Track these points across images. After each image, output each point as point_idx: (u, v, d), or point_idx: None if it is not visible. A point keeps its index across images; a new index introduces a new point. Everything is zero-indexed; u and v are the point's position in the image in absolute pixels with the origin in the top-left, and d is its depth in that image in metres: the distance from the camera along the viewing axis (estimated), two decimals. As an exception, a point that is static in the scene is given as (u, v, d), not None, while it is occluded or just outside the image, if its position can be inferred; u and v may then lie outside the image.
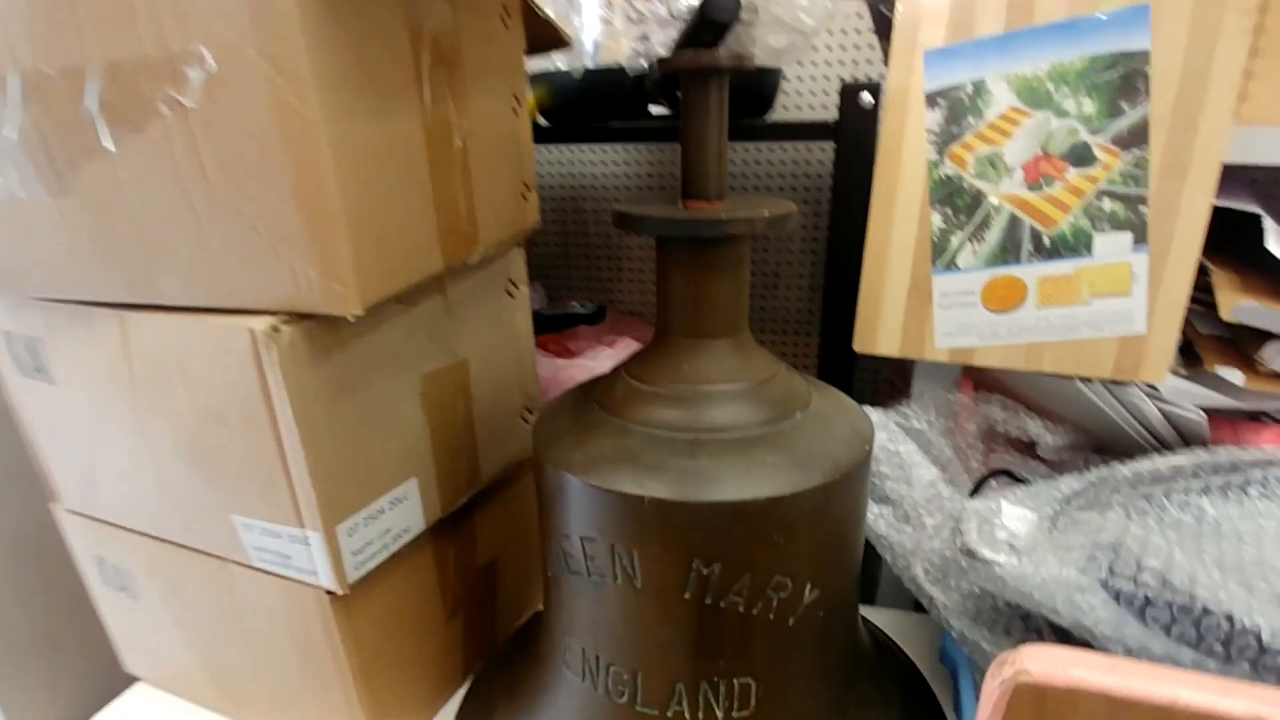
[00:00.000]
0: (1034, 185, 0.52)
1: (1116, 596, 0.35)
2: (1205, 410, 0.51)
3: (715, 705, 0.40)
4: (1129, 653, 0.36)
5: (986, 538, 0.42)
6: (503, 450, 0.58)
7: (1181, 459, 0.47)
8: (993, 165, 0.52)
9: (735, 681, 0.40)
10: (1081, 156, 0.51)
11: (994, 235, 0.53)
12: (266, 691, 0.54)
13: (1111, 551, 0.38)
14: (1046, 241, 0.52)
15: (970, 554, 0.42)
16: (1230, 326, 0.53)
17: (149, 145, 0.38)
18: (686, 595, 0.39)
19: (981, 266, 0.53)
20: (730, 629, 0.39)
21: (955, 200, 0.53)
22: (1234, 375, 0.50)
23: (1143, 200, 0.50)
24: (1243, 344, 0.52)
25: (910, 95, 0.53)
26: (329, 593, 0.46)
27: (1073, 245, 0.51)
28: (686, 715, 0.41)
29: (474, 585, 0.57)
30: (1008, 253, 0.53)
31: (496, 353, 0.56)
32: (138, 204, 0.40)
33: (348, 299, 0.39)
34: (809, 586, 0.40)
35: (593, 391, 0.46)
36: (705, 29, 0.54)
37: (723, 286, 0.42)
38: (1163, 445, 0.53)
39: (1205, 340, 0.53)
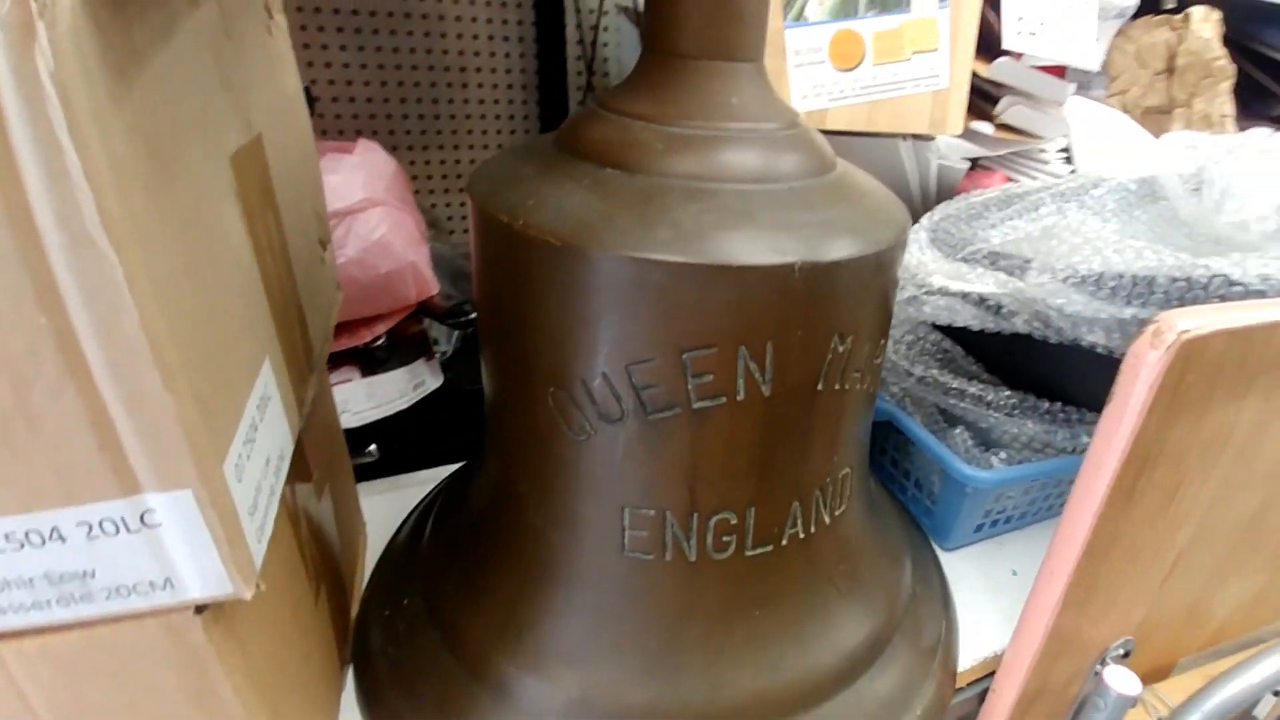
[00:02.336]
0: (866, -65, 0.56)
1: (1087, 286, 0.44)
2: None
3: (824, 510, 0.37)
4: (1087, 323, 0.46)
5: (955, 279, 0.47)
6: (317, 307, 0.37)
7: (979, 198, 0.60)
8: (832, -91, 0.54)
9: (841, 474, 0.37)
10: (898, -91, 0.56)
11: (837, -11, 0.55)
12: None
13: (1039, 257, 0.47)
14: (878, -3, 0.57)
15: (945, 292, 0.47)
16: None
17: None
18: (820, 386, 0.33)
19: (827, 19, 0.56)
20: (849, 415, 0.35)
21: (807, -55, 0.53)
22: (985, 128, 0.65)
23: (941, -40, 0.58)
24: (982, 106, 0.67)
25: None
26: (200, 609, 0.24)
27: (899, 1, 0.57)
28: (801, 535, 0.36)
29: (320, 538, 0.37)
30: (849, 5, 0.56)
31: (281, 131, 0.34)
32: None
33: None
34: (880, 350, 0.38)
35: (575, 149, 0.33)
36: None
37: (755, -13, 0.33)
38: (927, 200, 0.67)
39: (956, 102, 0.67)
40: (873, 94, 0.58)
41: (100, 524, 0.21)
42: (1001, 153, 0.68)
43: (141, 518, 0.22)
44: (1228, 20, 0.95)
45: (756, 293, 0.29)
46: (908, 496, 0.56)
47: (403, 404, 0.61)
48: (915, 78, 0.59)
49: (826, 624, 0.38)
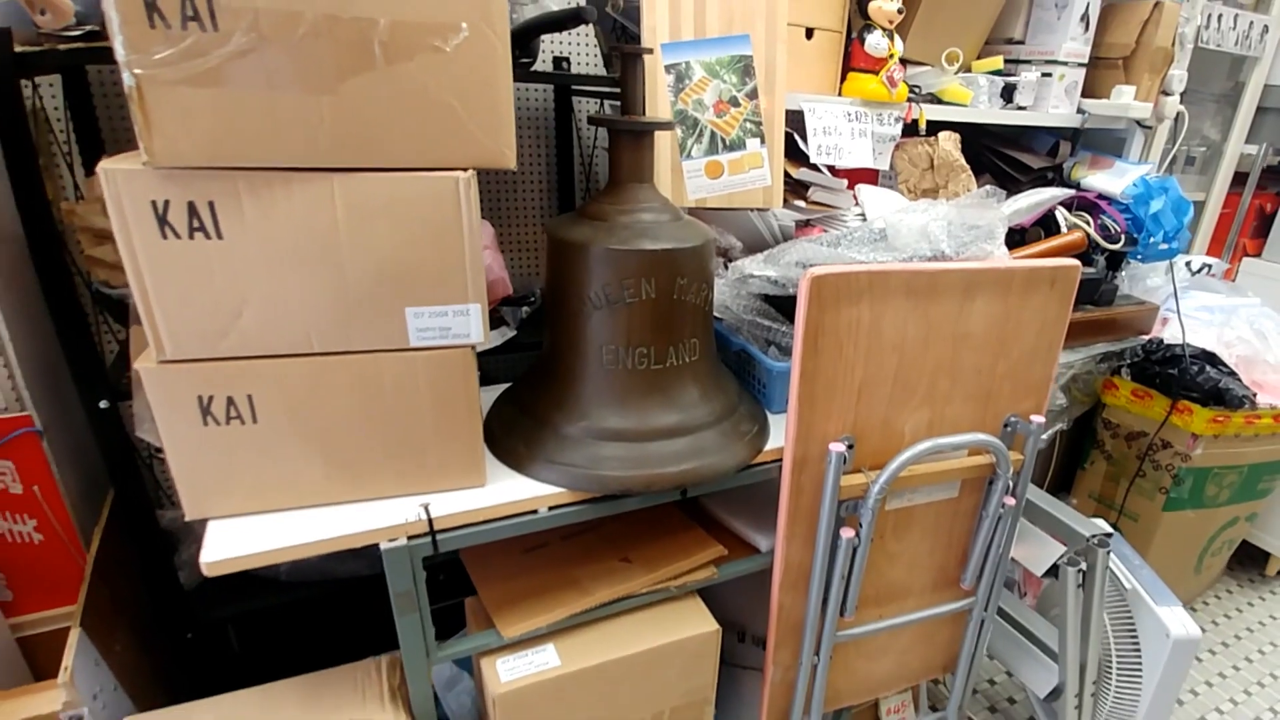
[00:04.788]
0: (719, 115, 1.24)
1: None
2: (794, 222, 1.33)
3: (685, 354, 1.00)
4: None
5: (756, 269, 1.12)
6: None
7: (804, 241, 1.26)
8: (700, 105, 1.23)
9: (690, 340, 1.01)
10: (735, 102, 1.25)
11: (705, 140, 1.23)
12: (397, 458, 0.89)
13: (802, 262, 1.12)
14: (728, 143, 1.25)
15: (752, 276, 1.11)
16: (791, 181, 1.36)
17: (425, 73, 0.76)
18: (674, 296, 0.97)
19: (702, 156, 1.23)
20: (691, 312, 0.99)
21: (686, 123, 1.22)
22: (800, 203, 1.33)
23: (761, 123, 1.27)
24: (800, 190, 1.35)
25: (658, 66, 1.19)
26: (471, 347, 0.88)
27: (739, 145, 1.25)
28: (675, 362, 0.99)
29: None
30: (714, 149, 1.24)
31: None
32: (399, 103, 0.76)
33: (511, 158, 0.84)
34: (711, 288, 1.03)
35: (585, 216, 0.98)
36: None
37: (650, 154, 1.00)
38: (777, 242, 1.33)
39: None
40: (730, 190, 1.25)
41: (458, 311, 0.86)
42: (817, 216, 1.35)
43: (468, 311, 0.86)
44: (980, 136, 1.65)
45: (650, 259, 0.94)
46: (756, 390, 1.19)
47: (499, 342, 1.25)
48: (752, 180, 1.26)
49: (691, 404, 1.01)
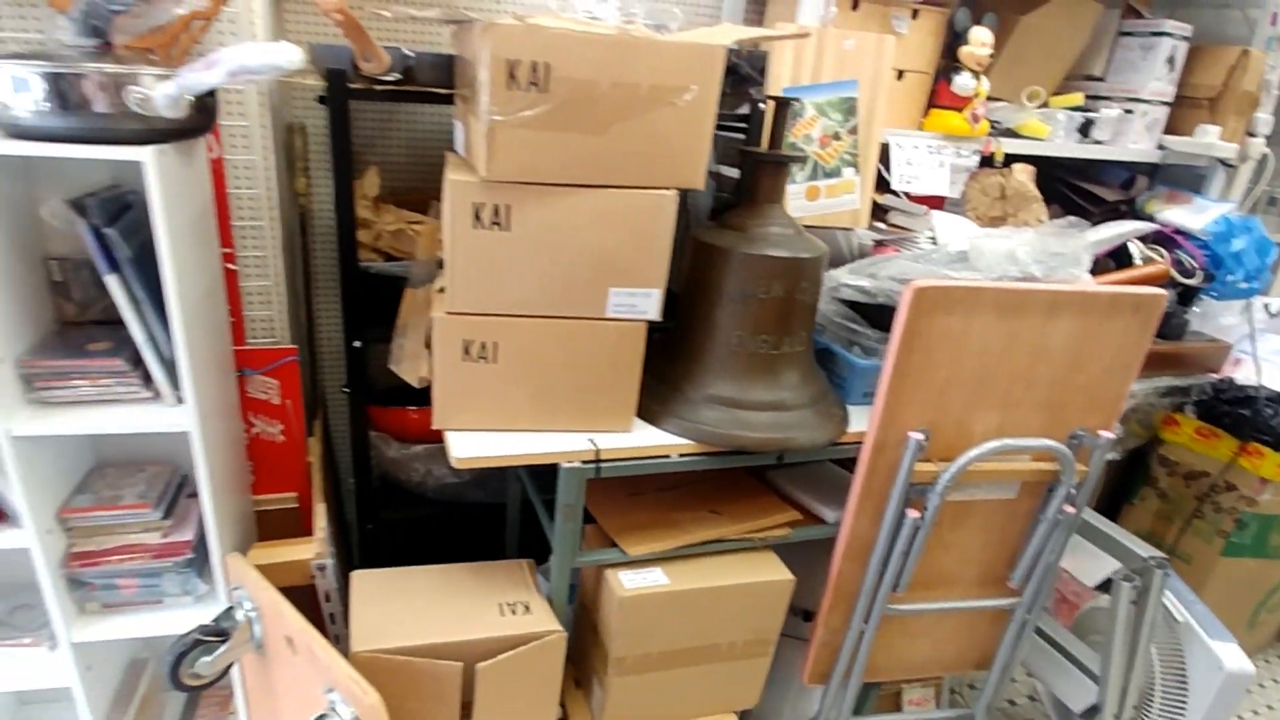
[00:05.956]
0: (823, 147, 2.24)
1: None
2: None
3: (795, 344, 1.97)
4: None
5: (849, 279, 2.13)
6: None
7: (877, 258, 2.26)
8: (808, 138, 2.23)
9: (800, 333, 1.99)
10: (837, 136, 2.25)
11: (809, 168, 2.24)
12: (576, 401, 1.84)
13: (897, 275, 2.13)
14: (827, 171, 2.25)
15: (845, 285, 2.11)
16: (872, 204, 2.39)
17: (661, 120, 1.71)
18: (794, 296, 1.95)
19: (804, 181, 2.24)
20: (803, 310, 1.95)
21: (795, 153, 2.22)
22: (882, 225, 2.34)
23: (856, 155, 2.28)
24: (881, 214, 2.37)
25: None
26: (646, 322, 1.85)
27: (836, 173, 2.25)
28: (786, 350, 1.97)
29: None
30: (814, 175, 2.25)
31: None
32: (641, 141, 1.72)
33: (701, 181, 1.82)
34: (819, 292, 2.02)
35: (725, 226, 1.96)
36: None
37: (784, 181, 1.98)
38: (854, 257, 2.35)
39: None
40: (824, 211, 2.25)
41: (644, 294, 1.83)
42: (893, 237, 2.36)
43: (650, 294, 1.83)
44: (1052, 168, 2.72)
45: (781, 264, 1.90)
46: (835, 383, 2.18)
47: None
48: (844, 203, 2.26)
49: (793, 385, 1.97)
